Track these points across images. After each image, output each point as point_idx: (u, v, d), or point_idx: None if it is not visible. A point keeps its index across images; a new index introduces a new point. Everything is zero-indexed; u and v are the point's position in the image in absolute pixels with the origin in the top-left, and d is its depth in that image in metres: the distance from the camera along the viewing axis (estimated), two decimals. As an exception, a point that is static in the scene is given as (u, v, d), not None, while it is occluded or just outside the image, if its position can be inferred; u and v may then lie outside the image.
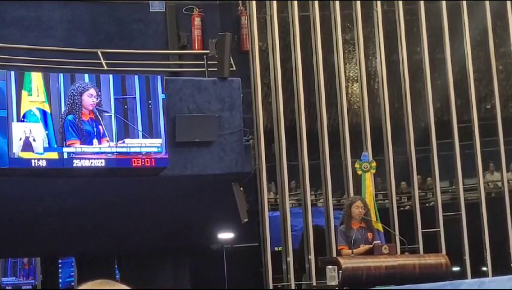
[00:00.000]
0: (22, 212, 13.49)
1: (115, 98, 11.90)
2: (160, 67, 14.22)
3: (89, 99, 11.72)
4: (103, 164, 11.69)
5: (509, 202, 14.55)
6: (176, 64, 15.09)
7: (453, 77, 14.70)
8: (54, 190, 12.55)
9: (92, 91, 11.75)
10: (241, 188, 13.01)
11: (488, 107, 16.12)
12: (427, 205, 16.08)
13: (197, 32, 15.12)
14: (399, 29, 14.55)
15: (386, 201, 14.75)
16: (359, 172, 12.04)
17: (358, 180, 12.61)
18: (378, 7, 14.61)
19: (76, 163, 11.55)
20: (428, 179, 15.95)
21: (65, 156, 11.49)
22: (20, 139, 11.29)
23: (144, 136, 11.93)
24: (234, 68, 13.24)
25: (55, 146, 11.45)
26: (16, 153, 11.25)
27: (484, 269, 14.38)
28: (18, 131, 11.30)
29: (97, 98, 11.77)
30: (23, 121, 11.36)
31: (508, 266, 14.20)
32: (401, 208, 15.40)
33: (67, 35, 14.78)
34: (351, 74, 15.78)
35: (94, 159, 11.63)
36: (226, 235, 16.23)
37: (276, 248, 14.38)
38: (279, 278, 13.82)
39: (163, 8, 15.42)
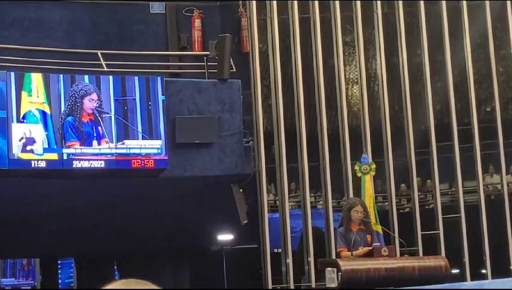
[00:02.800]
0: (22, 213, 13.49)
1: (114, 99, 11.90)
2: (160, 69, 14.22)
3: (90, 103, 11.73)
4: (103, 165, 11.69)
5: (509, 204, 14.56)
6: (176, 66, 15.10)
7: (453, 79, 14.71)
8: (54, 191, 12.54)
9: (94, 96, 11.75)
10: (241, 190, 13.01)
11: (488, 109, 16.12)
12: (426, 207, 16.07)
13: (197, 34, 15.12)
14: (399, 32, 14.56)
15: (386, 203, 14.75)
16: (359, 174, 12.06)
17: (358, 183, 12.62)
18: (379, 9, 14.61)
19: (76, 164, 11.55)
20: (428, 181, 15.95)
21: (65, 157, 11.49)
22: (20, 140, 11.29)
23: (143, 138, 11.93)
24: (234, 70, 13.24)
25: (55, 147, 11.45)
26: (15, 154, 11.25)
27: (483, 271, 14.38)
28: (18, 132, 11.30)
29: (98, 103, 11.77)
30: (23, 122, 11.36)
31: (507, 268, 14.20)
32: (401, 210, 15.40)
33: (68, 36, 14.78)
34: (351, 76, 15.78)
35: (94, 160, 11.63)
36: (225, 237, 16.20)
37: (275, 250, 14.38)
38: (278, 280, 13.83)
39: (163, 9, 15.42)
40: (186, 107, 12.58)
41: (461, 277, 13.83)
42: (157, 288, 2.34)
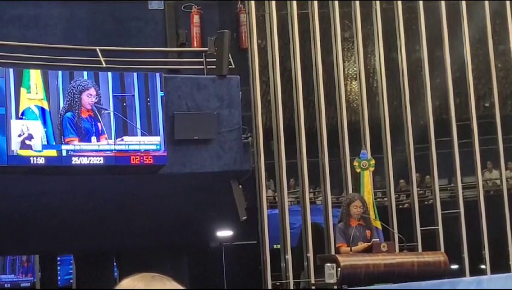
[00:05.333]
0: (21, 210, 13.49)
1: (113, 96, 11.90)
2: (159, 65, 14.22)
3: (88, 99, 11.72)
4: (102, 162, 11.69)
5: (508, 200, 14.55)
6: (175, 62, 15.09)
7: (452, 75, 14.69)
8: (53, 187, 12.55)
9: (92, 91, 11.74)
10: (240, 186, 13.01)
11: (487, 105, 16.12)
12: (425, 203, 16.08)
13: (195, 30, 15.12)
14: (398, 27, 14.55)
15: (385, 199, 14.75)
16: (358, 170, 12.04)
17: (357, 178, 12.62)
18: (377, 5, 14.60)
19: (75, 160, 11.55)
20: (427, 177, 15.95)
21: (64, 153, 11.49)
22: (19, 136, 11.29)
23: (142, 134, 11.93)
24: (233, 66, 13.23)
25: (54, 143, 11.45)
26: (14, 150, 11.25)
27: (482, 267, 14.39)
28: (17, 128, 11.30)
29: (96, 98, 11.77)
30: (21, 119, 11.35)
31: (507, 264, 14.21)
32: (400, 206, 15.40)
33: (66, 33, 14.77)
34: (350, 72, 15.77)
35: (93, 156, 11.63)
36: (224, 233, 16.23)
37: (274, 246, 14.38)
38: (277, 276, 13.82)
39: (162, 6, 15.42)
40: (185, 104, 12.58)
41: (460, 273, 13.83)
42: (181, 288, 2.34)
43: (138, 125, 11.93)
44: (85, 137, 11.63)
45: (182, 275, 17.68)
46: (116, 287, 2.32)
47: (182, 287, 2.32)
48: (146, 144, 11.93)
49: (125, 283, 2.33)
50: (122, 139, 11.85)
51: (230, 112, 12.84)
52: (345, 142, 14.04)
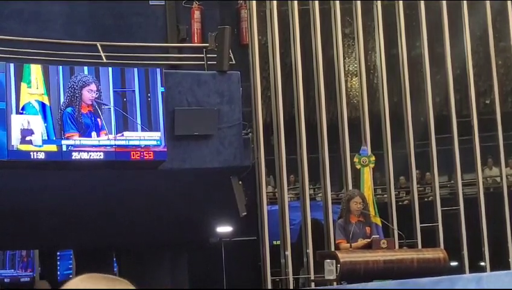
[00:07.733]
0: (21, 205, 13.49)
1: (114, 91, 11.89)
2: (160, 61, 14.21)
3: (89, 94, 11.72)
4: (102, 157, 11.69)
5: (508, 197, 14.56)
6: (175, 58, 15.09)
7: (453, 71, 14.69)
8: (53, 182, 12.55)
9: (93, 86, 11.74)
10: (240, 182, 13.01)
11: (488, 102, 16.10)
12: (425, 199, 16.07)
13: (196, 26, 15.12)
14: (399, 23, 14.54)
15: (385, 195, 14.75)
16: (358, 166, 12.03)
17: (357, 175, 12.62)
18: (378, 1, 14.59)
19: (75, 156, 11.55)
20: (427, 173, 15.95)
21: (64, 148, 11.49)
22: (19, 131, 11.29)
23: (142, 129, 11.92)
24: (233, 62, 13.23)
25: (54, 138, 11.45)
26: (14, 145, 11.25)
27: (482, 264, 14.39)
28: (17, 123, 11.30)
29: (97, 93, 11.77)
30: (22, 114, 11.35)
31: (506, 261, 14.21)
32: (400, 203, 15.39)
33: (67, 28, 14.77)
34: (351, 68, 15.75)
35: (93, 151, 11.63)
36: (224, 229, 16.22)
37: (274, 242, 14.39)
38: (277, 272, 13.83)
39: (162, 1, 15.41)
40: (185, 99, 12.57)
41: (460, 269, 13.84)
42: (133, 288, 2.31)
43: (138, 121, 11.93)
44: (85, 132, 11.64)
45: (182, 270, 17.68)
46: (64, 287, 2.30)
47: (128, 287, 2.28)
48: (146, 139, 11.93)
49: (72, 283, 2.32)
50: (123, 135, 11.85)
51: (231, 107, 12.84)
52: (345, 138, 14.04)
